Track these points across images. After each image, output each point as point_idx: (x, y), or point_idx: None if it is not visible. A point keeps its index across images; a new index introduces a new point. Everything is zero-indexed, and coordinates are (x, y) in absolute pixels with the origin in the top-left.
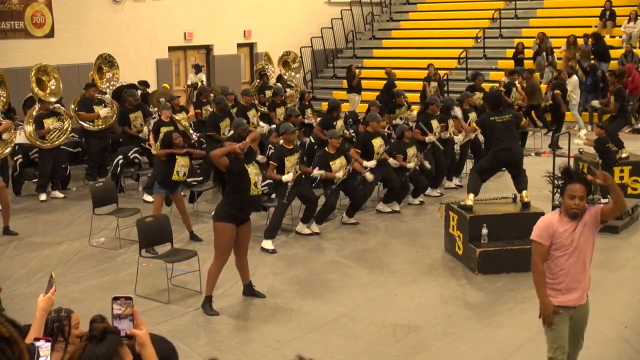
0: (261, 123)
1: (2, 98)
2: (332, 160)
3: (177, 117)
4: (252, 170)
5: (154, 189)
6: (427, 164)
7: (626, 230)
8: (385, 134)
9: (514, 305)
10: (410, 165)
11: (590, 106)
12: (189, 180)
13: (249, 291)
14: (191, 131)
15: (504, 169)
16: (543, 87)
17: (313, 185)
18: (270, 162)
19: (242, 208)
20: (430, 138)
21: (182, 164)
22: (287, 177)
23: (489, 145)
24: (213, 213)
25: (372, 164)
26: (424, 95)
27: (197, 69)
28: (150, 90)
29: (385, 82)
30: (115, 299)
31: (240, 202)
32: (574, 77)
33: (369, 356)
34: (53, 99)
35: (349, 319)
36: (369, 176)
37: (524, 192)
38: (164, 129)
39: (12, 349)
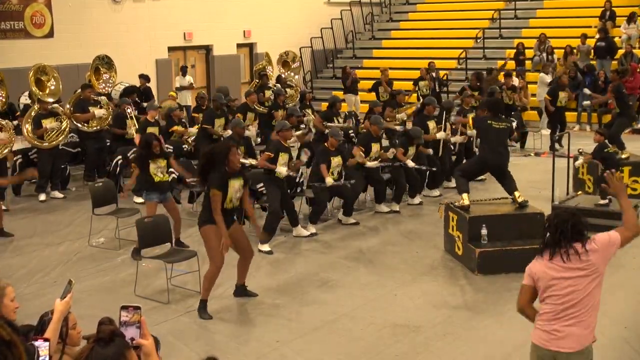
0: (250, 129)
1: (1, 98)
2: (332, 157)
3: (177, 127)
4: (234, 185)
5: (144, 196)
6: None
7: None
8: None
9: (513, 306)
10: (411, 164)
11: (584, 105)
12: (188, 180)
13: (241, 292)
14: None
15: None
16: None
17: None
18: (266, 152)
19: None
20: (441, 134)
21: (157, 166)
22: (282, 170)
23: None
24: (198, 222)
25: (374, 164)
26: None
27: (184, 71)
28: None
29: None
30: (124, 307)
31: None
32: (541, 74)
33: (369, 356)
34: (50, 99)
35: (349, 319)
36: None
37: (515, 193)
38: (150, 129)
39: (12, 352)
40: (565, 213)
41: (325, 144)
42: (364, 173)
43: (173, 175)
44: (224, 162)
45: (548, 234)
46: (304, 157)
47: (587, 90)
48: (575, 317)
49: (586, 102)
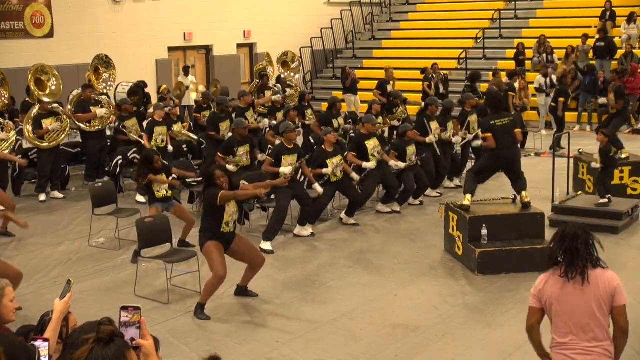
0: (264, 120)
1: (3, 98)
2: (329, 158)
3: (175, 127)
4: (230, 209)
5: (148, 204)
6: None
7: (626, 230)
8: (383, 134)
9: (513, 306)
10: (405, 164)
11: (599, 104)
12: (188, 180)
13: (242, 292)
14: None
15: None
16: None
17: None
18: (267, 157)
19: (217, 235)
20: (430, 139)
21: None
22: (286, 170)
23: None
24: (199, 244)
25: (372, 165)
26: (425, 95)
27: (186, 71)
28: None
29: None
30: (124, 308)
31: (214, 229)
32: (538, 76)
33: (369, 356)
34: (47, 99)
35: (349, 319)
36: (318, 189)
37: (523, 193)
38: (157, 129)
39: None
40: (572, 228)
41: (322, 146)
42: (379, 178)
43: (173, 176)
44: (215, 184)
45: (554, 249)
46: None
47: (603, 99)
48: (590, 341)
49: (603, 100)
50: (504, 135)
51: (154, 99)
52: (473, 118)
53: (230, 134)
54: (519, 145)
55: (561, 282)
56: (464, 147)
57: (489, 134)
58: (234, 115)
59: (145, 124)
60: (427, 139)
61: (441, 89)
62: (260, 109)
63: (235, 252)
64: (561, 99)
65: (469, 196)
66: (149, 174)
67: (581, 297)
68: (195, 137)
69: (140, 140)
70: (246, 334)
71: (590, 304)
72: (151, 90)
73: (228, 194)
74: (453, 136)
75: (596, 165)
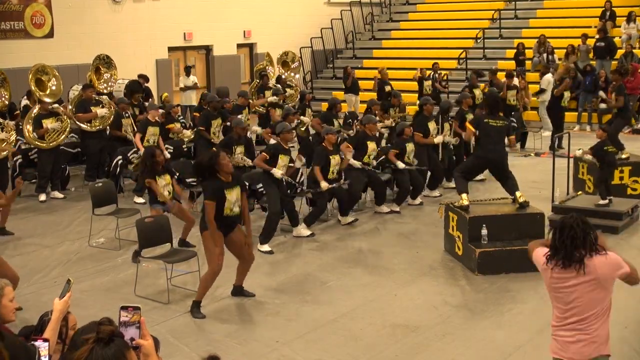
0: (254, 127)
1: (3, 99)
2: (331, 155)
3: (176, 125)
4: (232, 195)
5: (150, 204)
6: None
7: (626, 230)
8: (382, 136)
9: (513, 306)
10: (401, 165)
11: (601, 108)
12: (188, 180)
13: (238, 292)
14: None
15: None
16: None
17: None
18: (263, 152)
19: (220, 223)
20: (439, 139)
21: (163, 184)
22: (277, 172)
23: (476, 145)
24: (199, 226)
25: (357, 164)
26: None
27: (188, 71)
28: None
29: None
30: (124, 307)
31: (217, 218)
32: (548, 75)
33: (369, 356)
34: (48, 100)
35: (349, 319)
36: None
37: (517, 193)
38: (150, 129)
39: None
40: (569, 219)
41: (323, 143)
42: (365, 176)
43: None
44: (216, 170)
45: (554, 239)
46: (298, 164)
47: (602, 93)
48: (580, 325)
49: (603, 105)
50: (496, 135)
51: (155, 95)
52: (470, 117)
53: (220, 133)
54: (507, 149)
55: (560, 270)
56: (459, 147)
57: (473, 129)
58: (231, 113)
59: (138, 123)
60: (436, 140)
61: (439, 89)
62: (260, 109)
63: (232, 240)
64: (567, 93)
65: (464, 195)
66: (150, 178)
67: (578, 286)
68: (189, 134)
69: (124, 136)
70: (246, 334)
71: (587, 292)
72: (152, 85)
73: (210, 213)
74: (454, 136)
75: (589, 157)
